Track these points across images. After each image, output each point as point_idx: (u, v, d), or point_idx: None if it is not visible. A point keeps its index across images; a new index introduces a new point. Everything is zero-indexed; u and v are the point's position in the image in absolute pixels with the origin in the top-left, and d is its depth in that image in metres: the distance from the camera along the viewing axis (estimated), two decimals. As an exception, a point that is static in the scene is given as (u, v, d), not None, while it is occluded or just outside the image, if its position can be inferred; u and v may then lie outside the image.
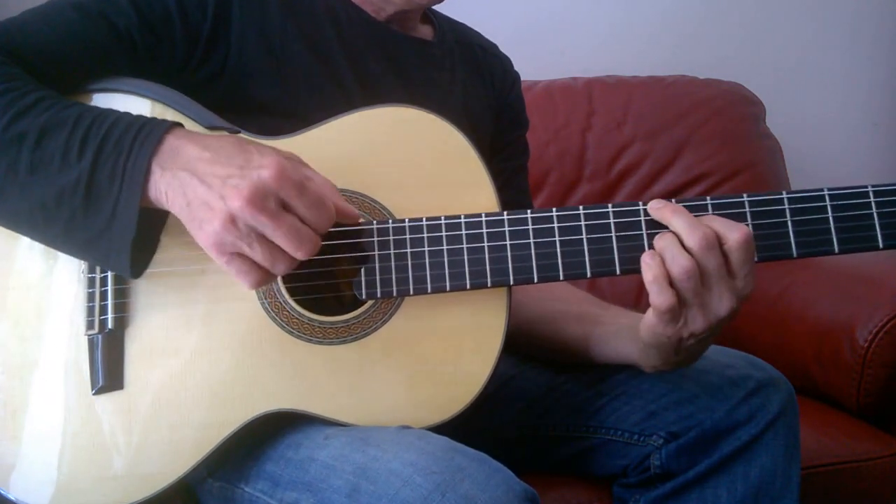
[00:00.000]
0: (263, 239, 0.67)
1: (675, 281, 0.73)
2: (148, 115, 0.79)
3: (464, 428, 0.79)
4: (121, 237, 0.69)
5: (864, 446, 1.19)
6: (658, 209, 0.76)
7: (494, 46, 1.13)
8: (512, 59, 1.14)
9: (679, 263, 0.73)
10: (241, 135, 0.80)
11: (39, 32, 0.78)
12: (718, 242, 0.73)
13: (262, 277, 0.69)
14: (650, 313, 0.76)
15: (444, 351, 0.79)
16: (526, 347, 1.01)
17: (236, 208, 0.65)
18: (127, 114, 0.73)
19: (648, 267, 0.74)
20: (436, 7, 1.01)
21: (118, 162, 0.69)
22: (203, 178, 0.67)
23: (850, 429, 1.24)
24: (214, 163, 0.68)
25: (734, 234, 0.73)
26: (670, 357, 0.81)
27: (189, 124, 0.79)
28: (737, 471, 0.87)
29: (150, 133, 0.70)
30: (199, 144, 0.70)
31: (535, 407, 0.99)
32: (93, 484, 0.76)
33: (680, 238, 0.74)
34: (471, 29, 1.12)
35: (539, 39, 1.95)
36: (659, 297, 0.73)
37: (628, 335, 0.87)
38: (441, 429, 0.77)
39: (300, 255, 0.68)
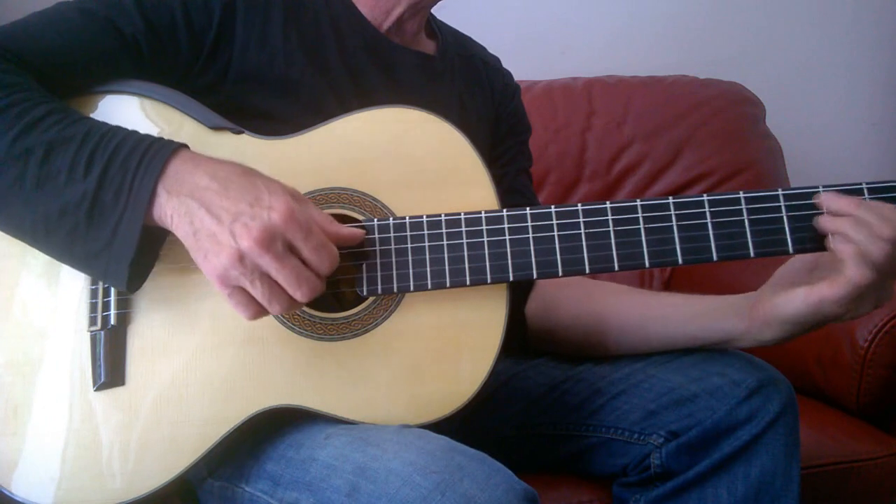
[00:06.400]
0: (266, 277, 0.68)
1: (875, 262, 0.74)
2: (150, 114, 0.80)
3: (464, 427, 0.79)
4: (120, 255, 0.70)
5: (864, 446, 1.19)
6: (837, 199, 0.77)
7: (497, 60, 1.14)
8: (512, 59, 1.15)
9: (881, 247, 0.74)
10: (244, 135, 0.81)
11: (45, 37, 0.78)
12: None
13: (260, 311, 0.70)
14: (827, 288, 0.76)
15: (444, 348, 0.79)
16: (563, 346, 1.01)
17: (245, 247, 0.66)
18: (135, 132, 0.73)
19: (849, 239, 0.75)
20: (438, 9, 1.00)
21: (124, 181, 0.69)
22: (211, 210, 0.68)
23: (850, 429, 1.24)
24: (224, 196, 0.68)
25: None
26: (794, 333, 0.83)
27: (193, 125, 0.80)
28: (737, 470, 0.87)
29: (156, 154, 0.70)
30: (206, 172, 0.70)
31: (535, 406, 0.99)
32: (94, 480, 0.76)
33: (871, 228, 0.75)
34: (475, 42, 1.13)
35: (539, 39, 1.95)
36: (858, 270, 0.74)
37: (729, 311, 0.87)
38: (441, 428, 0.77)
39: (299, 297, 0.69)
